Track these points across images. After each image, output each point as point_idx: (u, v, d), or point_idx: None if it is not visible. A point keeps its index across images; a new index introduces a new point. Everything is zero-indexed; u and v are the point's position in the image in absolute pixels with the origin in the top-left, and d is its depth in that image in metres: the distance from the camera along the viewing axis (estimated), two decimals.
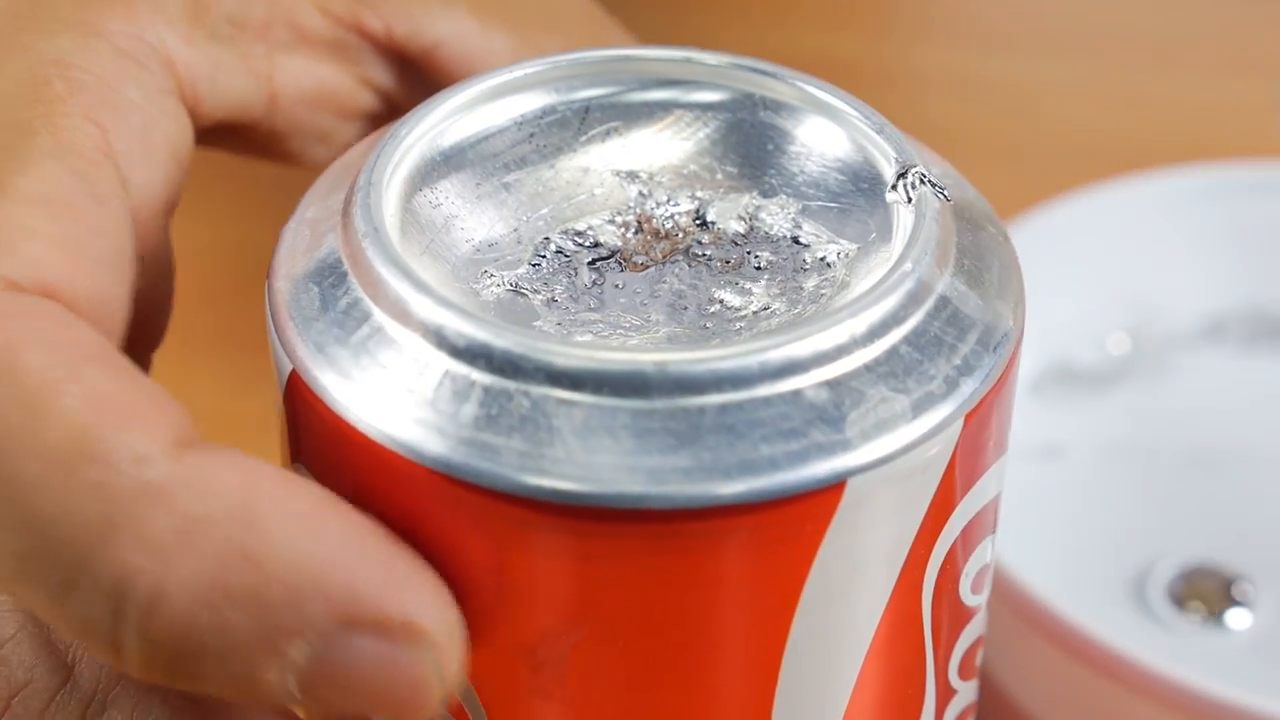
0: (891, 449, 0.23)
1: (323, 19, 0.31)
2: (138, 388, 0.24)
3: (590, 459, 0.23)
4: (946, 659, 0.27)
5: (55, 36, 0.28)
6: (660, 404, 0.23)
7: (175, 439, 0.23)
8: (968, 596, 0.27)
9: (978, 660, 0.29)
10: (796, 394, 0.23)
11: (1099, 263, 0.48)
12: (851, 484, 0.23)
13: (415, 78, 0.32)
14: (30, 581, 0.23)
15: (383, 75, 0.32)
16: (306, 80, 0.31)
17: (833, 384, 0.23)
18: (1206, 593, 0.40)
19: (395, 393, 0.24)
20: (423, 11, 0.31)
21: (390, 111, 0.32)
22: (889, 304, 0.24)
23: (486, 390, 0.23)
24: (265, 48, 0.31)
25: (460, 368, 0.23)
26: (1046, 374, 0.46)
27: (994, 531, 0.27)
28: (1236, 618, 0.40)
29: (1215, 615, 0.40)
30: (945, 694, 0.27)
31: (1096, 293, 0.48)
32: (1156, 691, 0.35)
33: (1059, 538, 0.41)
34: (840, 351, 0.23)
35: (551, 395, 0.23)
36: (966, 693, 0.28)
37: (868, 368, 0.24)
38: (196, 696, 0.26)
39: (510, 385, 0.23)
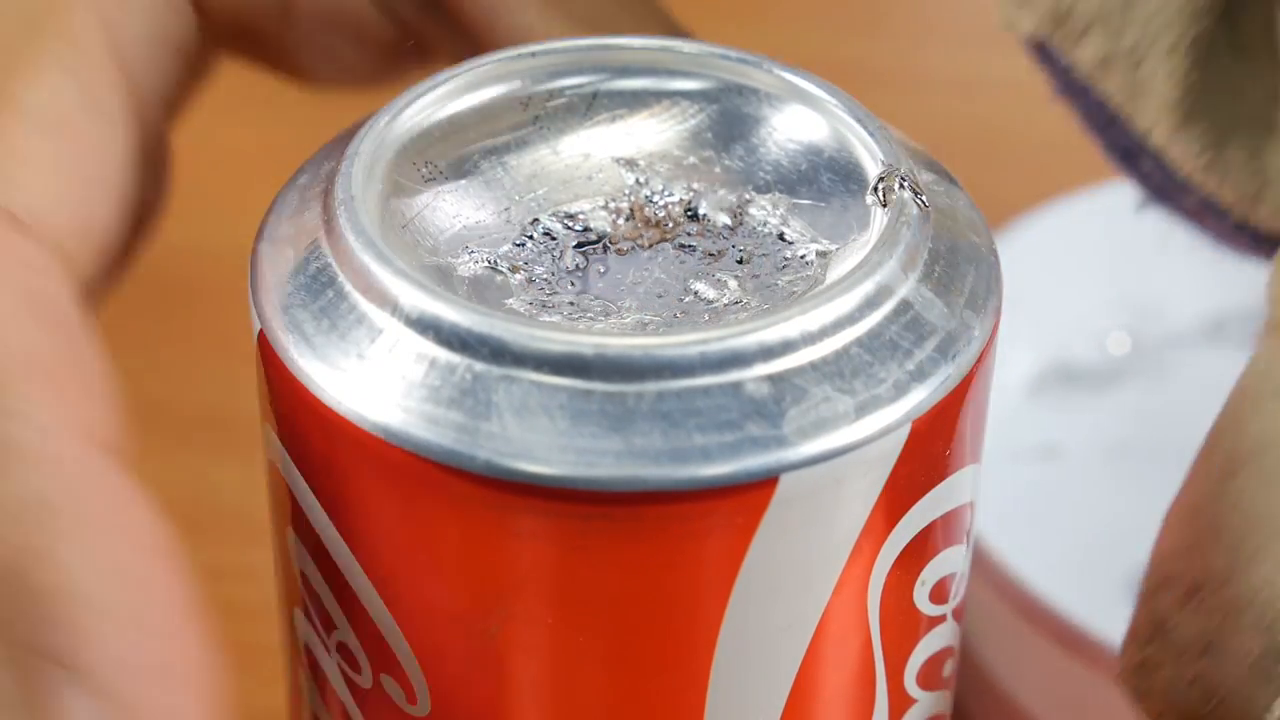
0: (829, 448, 0.23)
1: None
2: (80, 359, 0.24)
3: (524, 436, 0.23)
4: (901, 666, 0.27)
5: None
6: (598, 386, 0.23)
7: (86, 428, 0.24)
8: (925, 605, 0.27)
9: (945, 671, 0.29)
10: (736, 386, 0.23)
11: (1099, 263, 0.47)
12: (785, 480, 0.23)
13: (438, 17, 0.31)
14: None
15: (406, 7, 0.31)
16: None
17: (775, 379, 0.23)
18: None
19: (348, 358, 0.24)
20: None
21: (407, 47, 0.31)
22: (843, 304, 0.24)
23: (433, 362, 0.23)
24: None
25: (411, 338, 0.24)
26: (1046, 374, 0.46)
27: (962, 541, 0.27)
28: None
29: None
30: (901, 702, 0.27)
31: (1096, 293, 0.47)
32: None
33: (1059, 538, 0.41)
34: (786, 347, 0.23)
35: (493, 371, 0.23)
36: (930, 703, 0.28)
37: (814, 366, 0.24)
38: None
39: (455, 359, 0.23)
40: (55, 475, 0.23)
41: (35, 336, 0.24)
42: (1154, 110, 0.30)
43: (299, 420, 0.25)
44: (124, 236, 0.27)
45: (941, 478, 0.25)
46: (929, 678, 0.28)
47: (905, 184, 0.26)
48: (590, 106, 0.29)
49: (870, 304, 0.24)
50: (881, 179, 0.26)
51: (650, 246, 0.27)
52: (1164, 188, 0.31)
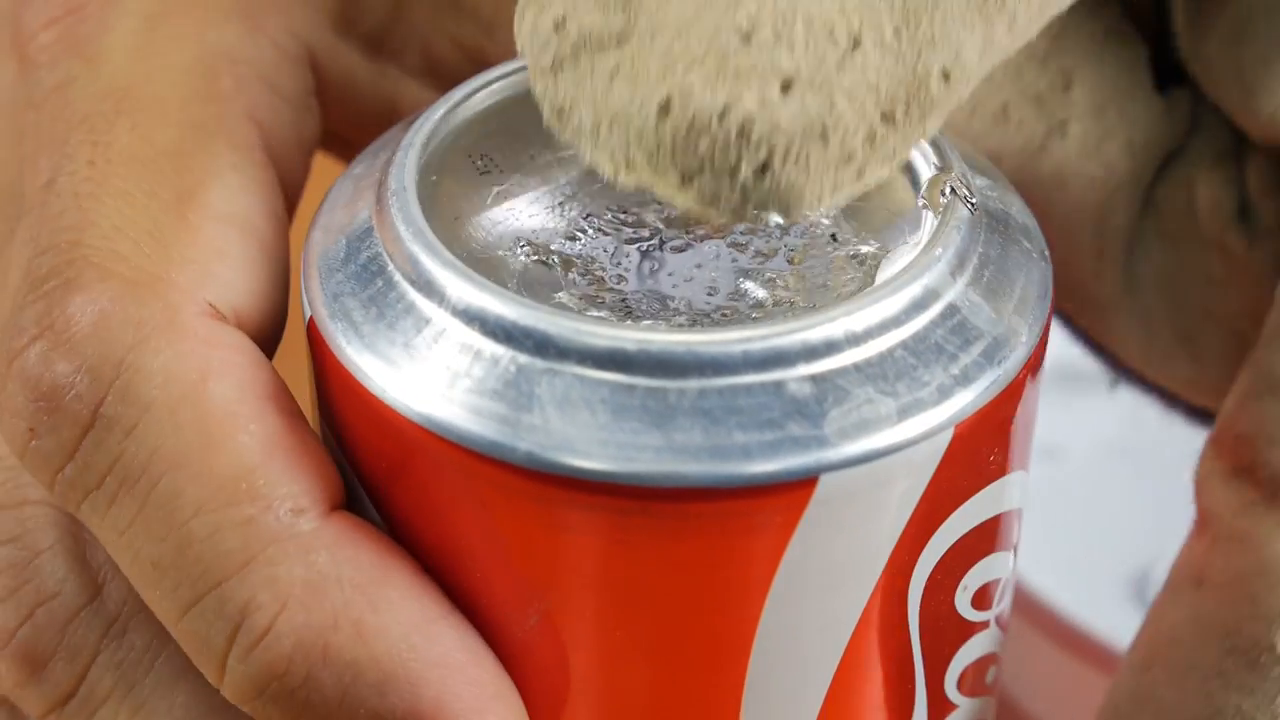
0: (869, 450, 0.23)
1: (453, 49, 0.32)
2: (306, 439, 0.25)
3: (565, 429, 0.23)
4: (941, 671, 0.27)
5: (222, 27, 0.29)
6: (640, 382, 0.23)
7: (330, 499, 0.25)
8: (967, 610, 0.26)
9: (988, 678, 0.28)
10: (778, 385, 0.23)
11: None
12: (824, 481, 0.23)
13: None
14: (161, 589, 0.25)
15: None
16: None
17: (818, 379, 0.23)
18: None
19: (395, 347, 0.24)
20: None
21: None
22: (889, 306, 0.24)
23: (478, 353, 0.24)
24: (398, 70, 0.32)
25: (457, 329, 0.24)
26: (1047, 374, 0.46)
27: (1007, 548, 0.27)
28: None
29: None
30: (940, 707, 0.27)
31: None
32: None
33: (1059, 538, 0.41)
34: (830, 348, 0.23)
35: (537, 364, 0.23)
36: (971, 709, 0.28)
37: (857, 367, 0.24)
38: None
39: (500, 350, 0.24)
40: (322, 549, 0.24)
41: (272, 421, 0.25)
42: (1088, 311, 0.31)
43: (345, 407, 0.25)
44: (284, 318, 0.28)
45: (986, 483, 0.25)
46: (971, 684, 0.28)
47: (956, 188, 0.26)
48: None
49: (917, 307, 0.24)
50: (932, 182, 0.26)
51: (702, 243, 0.27)
52: (1125, 372, 0.32)
